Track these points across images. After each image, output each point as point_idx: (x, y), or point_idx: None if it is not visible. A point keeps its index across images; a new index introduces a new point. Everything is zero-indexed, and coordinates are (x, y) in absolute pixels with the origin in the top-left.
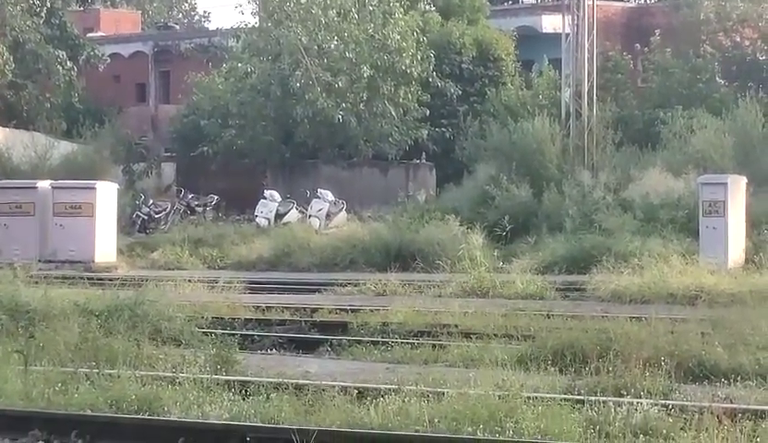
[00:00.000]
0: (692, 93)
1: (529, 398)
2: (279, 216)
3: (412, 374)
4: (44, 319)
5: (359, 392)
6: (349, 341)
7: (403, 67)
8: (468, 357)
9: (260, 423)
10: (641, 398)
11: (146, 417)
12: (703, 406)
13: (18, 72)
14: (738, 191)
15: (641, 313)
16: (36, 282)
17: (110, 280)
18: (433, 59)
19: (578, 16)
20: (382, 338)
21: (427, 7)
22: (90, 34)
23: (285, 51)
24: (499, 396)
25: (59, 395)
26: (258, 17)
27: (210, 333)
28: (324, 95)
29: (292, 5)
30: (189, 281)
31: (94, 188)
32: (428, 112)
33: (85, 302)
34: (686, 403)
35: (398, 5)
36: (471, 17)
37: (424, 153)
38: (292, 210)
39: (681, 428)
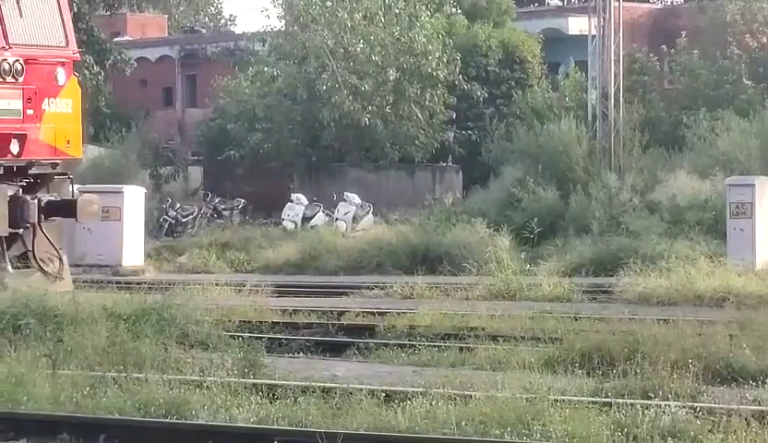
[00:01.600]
0: (719, 95)
1: (556, 401)
2: (306, 219)
3: (439, 377)
4: (72, 323)
5: (386, 395)
6: (376, 344)
7: (429, 70)
8: (495, 360)
9: (288, 426)
10: (668, 400)
11: (174, 421)
12: (731, 408)
13: None
14: (765, 193)
15: (668, 315)
16: None
17: (137, 283)
18: (459, 62)
19: (604, 18)
20: (409, 341)
21: (453, 10)
22: (116, 39)
23: (311, 54)
24: (527, 399)
25: (87, 399)
26: (284, 21)
27: (238, 337)
28: (350, 98)
29: (318, 8)
30: (216, 284)
31: (121, 192)
32: (455, 114)
33: (113, 306)
34: (714, 406)
35: (424, 8)
36: (497, 20)
37: (450, 156)
38: (318, 214)
39: (709, 431)
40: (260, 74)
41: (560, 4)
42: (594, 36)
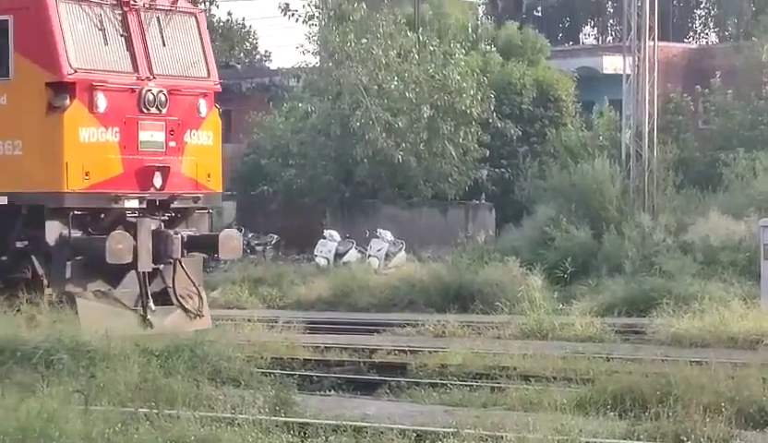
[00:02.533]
0: (754, 135)
1: None
2: (338, 256)
3: (470, 417)
4: (105, 359)
5: (417, 435)
6: (407, 382)
7: (463, 108)
8: (527, 400)
9: None
10: None
11: None
12: None
13: None
14: None
15: (701, 357)
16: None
17: None
18: (493, 99)
19: (638, 57)
20: (441, 380)
21: (488, 48)
22: None
23: (346, 91)
24: (558, 441)
25: (119, 435)
26: (318, 58)
27: (270, 374)
28: (384, 135)
29: (353, 45)
30: (249, 320)
31: None
32: (488, 152)
33: (145, 342)
34: None
35: (459, 45)
36: (531, 58)
37: (483, 193)
38: (351, 250)
39: None
40: (295, 110)
41: (595, 43)
42: (628, 75)
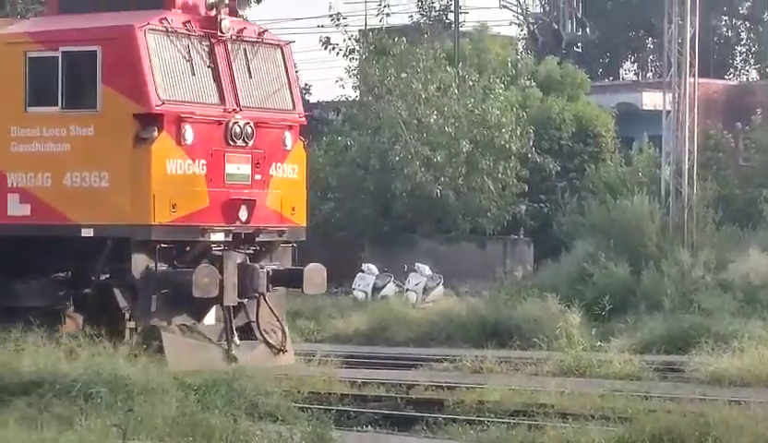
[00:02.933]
0: None
1: None
2: (376, 289)
3: None
4: (143, 393)
5: None
6: (445, 419)
7: (502, 142)
8: (564, 439)
9: None
10: None
11: None
12: None
13: None
14: None
15: (740, 397)
16: (135, 355)
17: None
18: (532, 134)
19: (678, 93)
20: (478, 417)
21: (528, 83)
22: None
23: (385, 125)
24: None
25: None
26: (358, 91)
27: (307, 409)
28: (423, 169)
29: (392, 79)
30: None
31: None
32: (527, 187)
33: (183, 375)
34: None
35: (498, 80)
36: (571, 94)
37: (522, 228)
38: (389, 284)
39: None
40: (334, 143)
41: (635, 78)
42: (668, 111)
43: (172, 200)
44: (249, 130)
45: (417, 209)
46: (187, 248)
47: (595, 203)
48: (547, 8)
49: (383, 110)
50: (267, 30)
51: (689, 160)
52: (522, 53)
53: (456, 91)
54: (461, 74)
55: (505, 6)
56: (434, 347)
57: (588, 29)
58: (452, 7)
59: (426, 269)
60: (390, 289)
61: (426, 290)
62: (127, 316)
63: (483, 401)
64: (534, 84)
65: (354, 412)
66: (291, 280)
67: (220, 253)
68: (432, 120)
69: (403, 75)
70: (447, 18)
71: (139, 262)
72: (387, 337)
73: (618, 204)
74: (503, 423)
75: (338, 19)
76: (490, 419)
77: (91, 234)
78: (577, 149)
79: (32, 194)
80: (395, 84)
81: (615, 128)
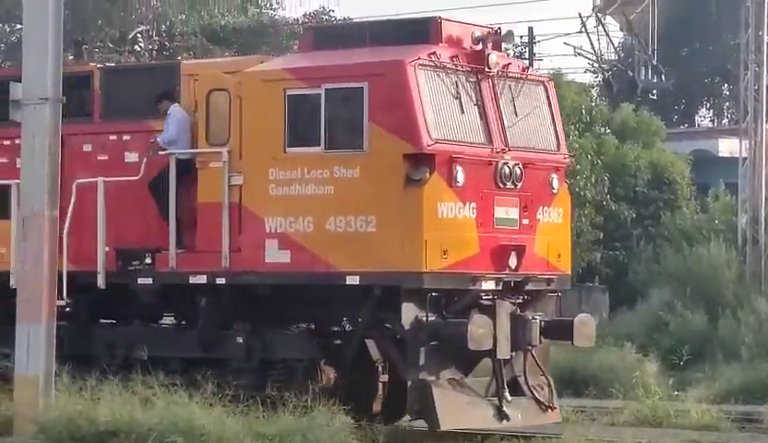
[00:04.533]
0: None
1: None
2: None
3: None
4: (218, 442)
5: None
6: None
7: (577, 189)
8: None
9: None
10: None
11: None
12: None
13: None
14: None
15: None
16: (211, 404)
17: None
18: (607, 181)
19: (755, 140)
20: None
21: (603, 130)
22: None
23: None
24: None
25: None
26: None
27: None
28: None
29: None
30: None
31: None
32: (602, 234)
33: (259, 423)
34: None
35: (573, 127)
36: (646, 141)
37: (597, 276)
38: None
39: None
40: None
41: (711, 125)
42: (744, 158)
43: (443, 246)
44: (518, 172)
45: None
46: (455, 298)
47: (671, 251)
48: (622, 55)
49: None
50: (530, 66)
51: (766, 207)
52: (596, 99)
53: None
54: None
55: (580, 54)
56: None
57: (663, 76)
58: (527, 55)
59: None
60: None
61: None
62: (380, 369)
63: None
64: (609, 131)
65: None
66: (560, 331)
67: (489, 302)
68: None
69: None
70: None
71: (409, 312)
72: None
73: (693, 252)
74: None
75: None
76: None
77: (357, 282)
78: (652, 197)
79: (292, 240)
80: None
81: (690, 175)
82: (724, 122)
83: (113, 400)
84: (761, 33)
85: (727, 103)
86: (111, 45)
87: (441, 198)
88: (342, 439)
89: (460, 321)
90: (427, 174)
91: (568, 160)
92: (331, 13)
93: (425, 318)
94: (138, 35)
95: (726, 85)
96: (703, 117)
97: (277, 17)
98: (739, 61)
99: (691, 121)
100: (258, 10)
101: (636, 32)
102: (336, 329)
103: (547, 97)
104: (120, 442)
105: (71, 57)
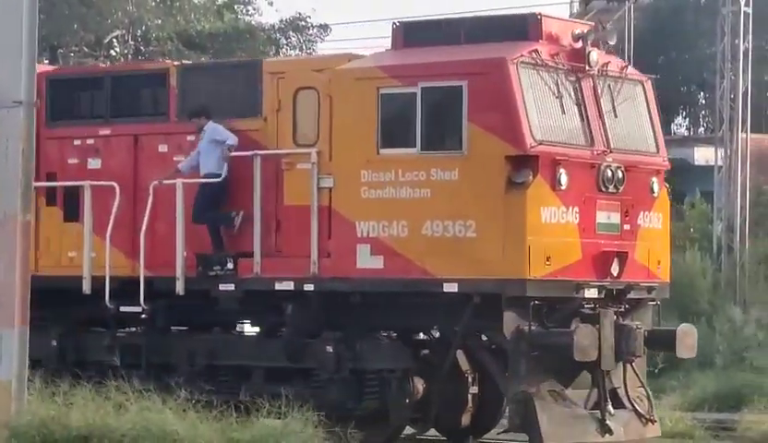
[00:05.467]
0: None
1: None
2: None
3: None
4: None
5: None
6: None
7: None
8: None
9: None
10: None
11: None
12: None
13: None
14: None
15: None
16: (184, 410)
17: None
18: None
19: (731, 149)
20: None
21: None
22: None
23: None
24: None
25: None
26: None
27: None
28: None
29: None
30: None
31: None
32: None
33: (233, 428)
34: None
35: None
36: None
37: None
38: None
39: None
40: None
41: (686, 134)
42: (720, 167)
43: (546, 252)
44: (620, 175)
45: None
46: (556, 306)
47: None
48: None
49: None
50: (628, 65)
51: (741, 215)
52: None
53: None
54: None
55: None
56: None
57: None
58: None
59: None
60: None
61: None
62: (470, 380)
63: None
64: None
65: None
66: (662, 342)
67: (590, 312)
68: None
69: None
70: None
71: (510, 321)
72: None
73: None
74: None
75: None
76: None
77: (455, 290)
78: None
79: (386, 245)
80: None
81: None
82: (700, 130)
83: (86, 405)
84: (737, 42)
85: (703, 112)
86: (86, 49)
87: (544, 202)
88: None
89: (565, 331)
90: (530, 177)
91: (667, 163)
92: (308, 19)
93: (526, 328)
94: (114, 40)
95: (702, 93)
96: (679, 126)
97: (254, 22)
98: (715, 70)
99: (667, 129)
100: (235, 16)
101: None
102: (424, 338)
103: (645, 97)
104: None
105: (46, 61)
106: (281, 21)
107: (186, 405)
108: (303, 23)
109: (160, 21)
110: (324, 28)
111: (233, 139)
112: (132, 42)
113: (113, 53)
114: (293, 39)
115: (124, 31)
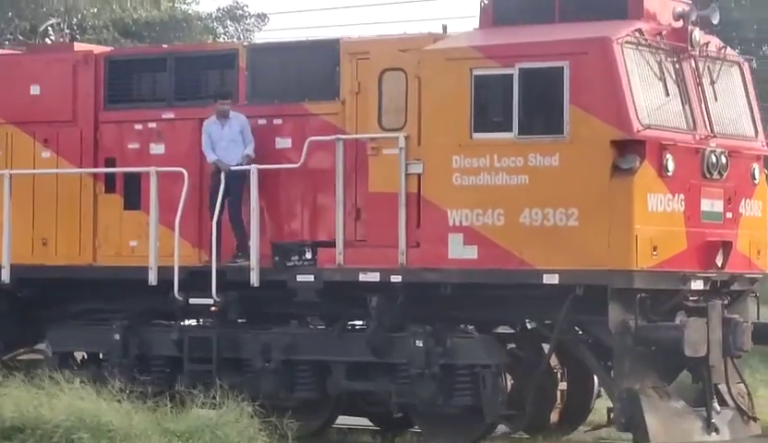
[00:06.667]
0: None
1: None
2: None
3: None
4: (126, 439)
5: None
6: None
7: None
8: None
9: None
10: None
11: None
12: None
13: None
14: None
15: None
16: (119, 401)
17: None
18: None
19: None
20: None
21: None
22: None
23: None
24: None
25: None
26: None
27: None
28: None
29: None
30: None
31: None
32: None
33: (168, 419)
34: None
35: None
36: None
37: None
38: None
39: None
40: None
41: None
42: None
43: (653, 242)
44: (724, 161)
45: None
46: (661, 299)
47: None
48: None
49: None
50: (726, 45)
51: None
52: None
53: None
54: None
55: None
56: None
57: None
58: None
59: None
60: None
61: None
62: (559, 375)
63: None
64: None
65: None
66: (765, 336)
67: (695, 304)
68: None
69: None
70: None
71: (616, 314)
72: None
73: None
74: None
75: None
76: None
77: (556, 281)
78: None
79: (480, 234)
80: None
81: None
82: None
83: (19, 395)
84: None
85: None
86: (21, 38)
87: (651, 189)
88: (251, 436)
89: (674, 325)
90: (637, 163)
91: (766, 149)
92: (245, 8)
93: (632, 322)
94: (50, 28)
95: None
96: None
97: (190, 11)
98: None
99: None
100: (171, 4)
101: None
102: (512, 331)
103: (743, 79)
104: (26, 438)
105: None
106: (218, 10)
107: (120, 396)
108: (240, 12)
109: (96, 10)
110: (262, 17)
111: (252, 148)
112: (68, 31)
113: (48, 41)
114: (230, 28)
115: (59, 20)
